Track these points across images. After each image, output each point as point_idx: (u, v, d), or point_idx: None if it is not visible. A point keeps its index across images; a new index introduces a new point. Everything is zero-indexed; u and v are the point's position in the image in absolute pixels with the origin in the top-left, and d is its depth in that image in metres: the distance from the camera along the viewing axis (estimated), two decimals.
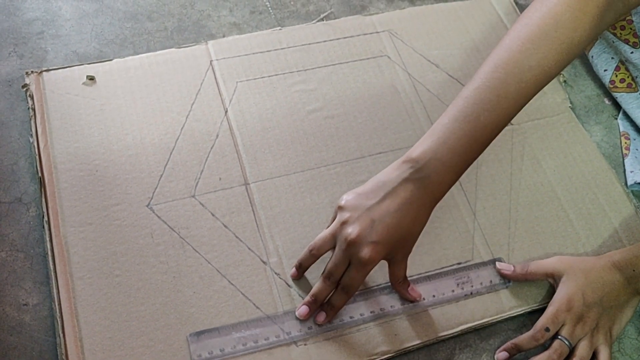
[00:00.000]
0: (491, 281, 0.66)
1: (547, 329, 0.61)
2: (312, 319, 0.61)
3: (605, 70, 0.81)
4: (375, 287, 0.64)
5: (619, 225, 0.71)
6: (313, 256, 0.61)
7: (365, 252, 0.56)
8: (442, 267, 0.66)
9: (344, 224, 0.58)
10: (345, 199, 0.59)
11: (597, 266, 0.64)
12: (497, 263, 0.66)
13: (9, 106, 0.71)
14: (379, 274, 0.64)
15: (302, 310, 0.61)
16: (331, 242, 0.60)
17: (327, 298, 0.61)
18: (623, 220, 0.72)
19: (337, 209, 0.60)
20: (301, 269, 0.63)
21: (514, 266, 0.66)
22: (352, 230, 0.57)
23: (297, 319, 0.61)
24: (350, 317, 0.62)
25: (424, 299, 0.64)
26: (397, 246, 0.58)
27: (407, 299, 0.63)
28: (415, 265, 0.66)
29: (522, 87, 0.57)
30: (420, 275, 0.65)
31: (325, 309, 0.61)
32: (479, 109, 0.57)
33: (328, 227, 0.61)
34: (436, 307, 0.64)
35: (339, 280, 0.59)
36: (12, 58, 0.75)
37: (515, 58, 0.57)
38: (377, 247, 0.57)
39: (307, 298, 0.61)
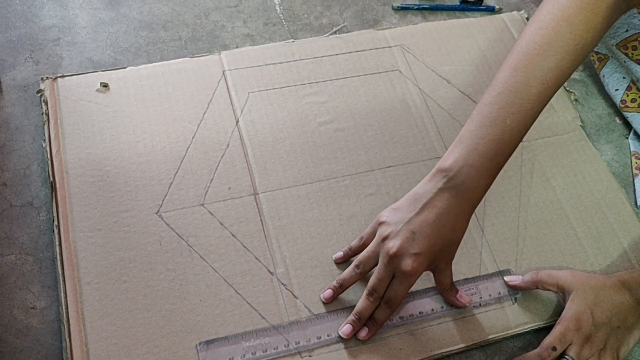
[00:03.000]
0: (500, 292, 0.66)
1: (554, 348, 0.61)
2: (315, 330, 0.61)
3: (616, 90, 0.81)
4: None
5: (628, 245, 0.71)
6: (358, 274, 0.62)
7: (408, 264, 0.57)
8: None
9: (385, 239, 0.59)
10: (385, 215, 0.60)
11: (606, 285, 0.63)
12: (505, 277, 0.66)
13: (24, 111, 0.72)
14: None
15: (346, 329, 0.61)
16: (374, 259, 0.60)
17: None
18: (632, 240, 0.71)
19: (377, 225, 0.61)
20: (342, 288, 0.63)
21: (521, 276, 0.66)
22: (393, 244, 0.58)
23: (302, 329, 0.61)
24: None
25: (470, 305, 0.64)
26: (440, 255, 0.59)
27: (456, 306, 0.64)
28: (422, 279, 0.65)
29: (544, 89, 0.59)
30: (427, 290, 0.65)
31: (368, 325, 0.61)
32: (505, 113, 0.58)
33: (363, 243, 0.63)
34: (442, 323, 0.64)
35: (382, 296, 0.60)
36: (28, 64, 0.76)
37: (535, 61, 0.59)
38: (420, 259, 0.57)
39: (351, 317, 0.61)
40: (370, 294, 0.60)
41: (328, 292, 0.63)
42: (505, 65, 0.60)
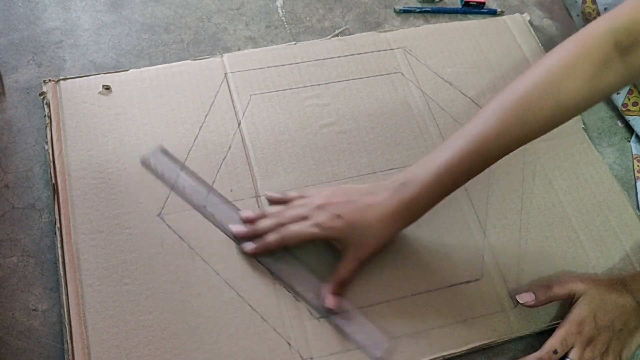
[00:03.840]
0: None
1: (556, 351, 0.61)
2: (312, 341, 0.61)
3: (617, 94, 0.81)
4: (383, 302, 0.64)
5: (630, 247, 0.71)
6: (275, 223, 0.63)
7: (325, 217, 0.60)
8: (451, 285, 0.66)
9: (326, 193, 0.63)
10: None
11: (611, 288, 0.64)
12: (517, 296, 0.65)
13: (26, 113, 0.72)
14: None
15: (239, 229, 0.64)
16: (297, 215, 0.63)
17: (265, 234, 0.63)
18: (634, 243, 0.71)
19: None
20: (254, 230, 0.64)
21: (534, 294, 0.64)
22: (326, 199, 0.62)
23: (304, 332, 0.61)
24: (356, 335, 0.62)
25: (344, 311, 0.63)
26: (355, 236, 0.61)
27: (326, 300, 0.62)
28: (425, 282, 0.65)
29: (507, 146, 0.61)
30: (429, 292, 0.65)
31: (257, 241, 0.63)
32: (466, 170, 0.61)
33: None
34: (443, 326, 0.64)
35: (282, 225, 0.62)
36: (30, 66, 0.76)
37: (509, 126, 0.60)
38: (336, 221, 0.60)
39: (250, 225, 0.64)
40: (279, 218, 0.63)
41: (242, 230, 0.64)
42: (494, 102, 0.61)
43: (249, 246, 0.63)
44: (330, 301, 0.61)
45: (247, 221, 0.65)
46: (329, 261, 0.64)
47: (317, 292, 0.62)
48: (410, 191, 0.61)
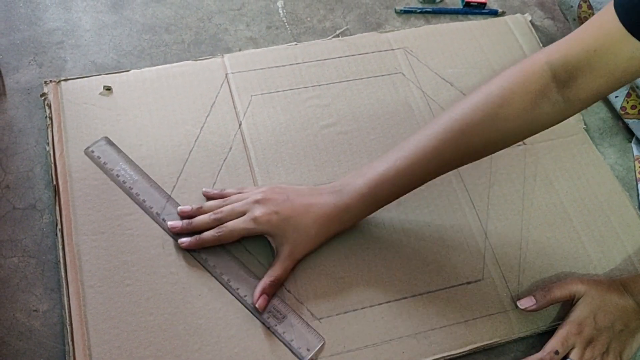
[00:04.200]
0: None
1: (557, 352, 0.61)
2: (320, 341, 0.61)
3: (616, 97, 0.81)
4: (384, 303, 0.64)
5: (632, 248, 0.71)
6: (213, 220, 0.63)
7: (262, 212, 0.61)
8: (452, 286, 0.66)
9: (264, 189, 0.64)
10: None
11: (611, 289, 0.64)
12: (518, 302, 0.65)
13: (27, 114, 0.72)
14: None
15: (175, 224, 0.64)
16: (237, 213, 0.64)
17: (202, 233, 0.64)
18: (635, 243, 0.71)
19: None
20: (191, 226, 0.64)
21: (534, 298, 0.64)
22: (264, 195, 0.63)
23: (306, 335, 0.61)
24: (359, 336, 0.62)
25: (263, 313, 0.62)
26: (290, 234, 0.62)
27: (256, 301, 0.61)
28: (425, 283, 0.65)
29: (439, 166, 0.63)
30: (430, 293, 0.65)
31: (193, 240, 0.63)
32: (401, 183, 0.63)
33: None
34: (444, 327, 0.64)
35: (219, 221, 0.63)
36: (31, 67, 0.76)
37: (446, 144, 0.61)
38: (273, 216, 0.61)
39: (186, 220, 0.64)
40: (216, 214, 0.63)
41: (177, 225, 0.64)
42: (434, 122, 0.62)
43: (185, 241, 0.63)
44: (260, 303, 0.61)
45: (184, 216, 0.65)
46: (264, 258, 0.65)
47: (251, 290, 0.62)
48: (345, 198, 0.62)
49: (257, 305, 0.61)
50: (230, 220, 0.63)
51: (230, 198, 0.65)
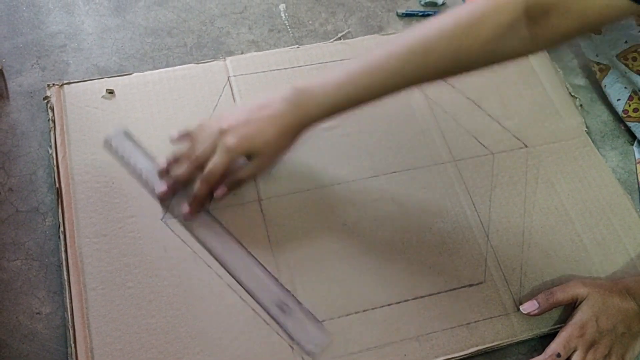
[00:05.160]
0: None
1: (559, 355, 0.61)
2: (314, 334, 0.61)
3: (618, 100, 0.81)
4: (386, 305, 0.64)
5: (633, 251, 0.71)
6: (193, 168, 0.65)
7: (231, 142, 0.62)
8: (454, 288, 0.66)
9: (226, 116, 0.64)
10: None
11: (613, 292, 0.63)
12: (520, 307, 0.65)
13: (30, 117, 0.73)
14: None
15: (162, 188, 0.66)
16: (211, 150, 0.64)
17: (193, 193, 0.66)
18: (637, 246, 0.71)
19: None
20: (177, 183, 0.66)
21: (537, 302, 0.64)
22: (226, 123, 0.63)
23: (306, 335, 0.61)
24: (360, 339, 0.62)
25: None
26: (259, 150, 0.63)
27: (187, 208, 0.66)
28: (427, 285, 0.66)
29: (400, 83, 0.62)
30: (432, 295, 0.65)
31: (190, 202, 0.66)
32: (358, 93, 0.62)
33: None
34: (446, 329, 0.64)
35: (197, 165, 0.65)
36: (34, 70, 0.76)
37: (414, 57, 0.60)
38: (242, 142, 0.62)
39: (170, 180, 0.66)
40: (194, 161, 0.64)
41: (163, 188, 0.66)
42: (400, 39, 0.61)
43: (185, 209, 0.66)
44: (219, 192, 0.64)
45: (163, 173, 0.67)
46: None
47: (244, 265, 0.64)
48: (304, 105, 0.63)
49: (215, 194, 0.64)
50: (206, 160, 0.64)
51: (197, 137, 0.66)
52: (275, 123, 0.63)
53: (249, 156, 0.63)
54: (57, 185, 0.66)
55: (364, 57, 0.62)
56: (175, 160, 0.66)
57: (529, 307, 0.64)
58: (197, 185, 0.65)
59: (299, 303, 0.63)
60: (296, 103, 0.63)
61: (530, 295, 0.66)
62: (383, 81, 0.61)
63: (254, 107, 0.64)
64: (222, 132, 0.63)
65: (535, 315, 0.64)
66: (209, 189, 0.64)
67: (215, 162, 0.63)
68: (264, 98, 0.65)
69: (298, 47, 0.81)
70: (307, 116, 0.63)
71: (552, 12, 0.56)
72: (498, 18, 0.58)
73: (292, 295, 0.63)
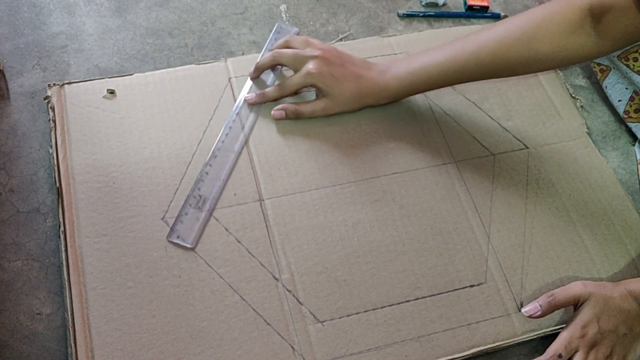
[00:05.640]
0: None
1: (560, 355, 0.60)
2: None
3: (619, 101, 0.81)
4: (387, 306, 0.64)
5: (635, 252, 0.71)
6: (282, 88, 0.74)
7: (316, 69, 0.70)
8: (455, 289, 0.66)
9: (326, 49, 0.72)
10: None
11: (615, 293, 0.63)
12: (522, 310, 0.65)
13: (31, 117, 0.73)
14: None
15: (250, 96, 0.74)
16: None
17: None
18: (639, 247, 0.71)
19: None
20: (265, 97, 0.75)
21: (539, 304, 0.64)
22: (323, 53, 0.71)
23: (308, 336, 0.61)
24: (362, 340, 0.62)
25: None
26: (333, 92, 0.72)
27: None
28: (428, 286, 0.65)
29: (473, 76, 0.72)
30: (433, 296, 0.65)
31: (258, 93, 0.75)
32: (435, 81, 0.72)
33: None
34: (447, 330, 0.63)
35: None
36: (35, 70, 0.76)
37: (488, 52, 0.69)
38: (325, 75, 0.70)
39: (260, 92, 0.75)
40: (274, 59, 0.74)
41: (252, 97, 0.74)
42: (478, 34, 0.70)
43: (250, 97, 0.74)
44: (275, 113, 0.74)
45: (257, 95, 0.75)
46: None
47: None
48: (387, 79, 0.72)
49: (273, 113, 0.74)
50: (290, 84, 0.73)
51: (294, 45, 0.74)
52: (358, 83, 0.71)
53: (318, 89, 0.73)
54: (58, 185, 0.66)
55: (446, 45, 0.71)
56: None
57: (531, 309, 0.64)
58: (271, 89, 0.74)
59: (212, 210, 0.66)
60: (381, 76, 0.72)
61: (532, 296, 0.65)
62: (460, 69, 0.70)
63: (352, 59, 0.73)
64: (314, 57, 0.71)
65: (537, 317, 0.64)
66: (278, 96, 0.74)
67: (293, 79, 0.72)
68: (362, 60, 0.74)
69: None
70: (384, 91, 0.72)
71: (612, 10, 0.63)
72: (566, 15, 0.65)
73: (211, 201, 0.67)
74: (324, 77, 0.70)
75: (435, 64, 0.70)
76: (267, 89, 0.74)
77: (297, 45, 0.74)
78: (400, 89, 0.73)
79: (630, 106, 0.80)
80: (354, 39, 0.84)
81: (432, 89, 0.73)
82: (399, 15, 0.89)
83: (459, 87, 0.80)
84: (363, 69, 0.72)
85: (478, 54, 0.68)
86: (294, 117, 0.74)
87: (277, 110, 0.73)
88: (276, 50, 0.74)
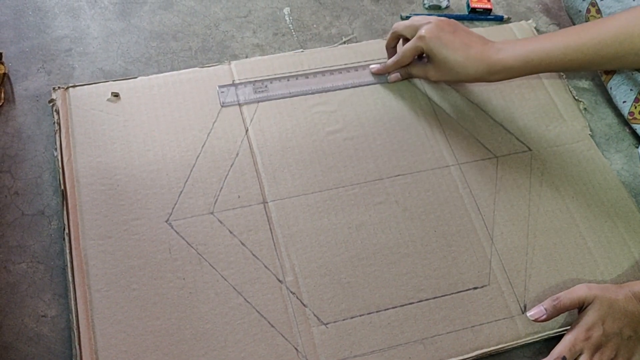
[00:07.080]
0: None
1: (564, 358, 0.60)
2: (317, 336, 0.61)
3: (624, 102, 0.81)
4: (391, 308, 0.64)
5: (639, 254, 0.70)
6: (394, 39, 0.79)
7: (428, 33, 0.72)
8: (458, 291, 0.66)
9: (441, 18, 0.75)
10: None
11: (619, 296, 0.63)
12: (527, 314, 0.64)
13: (36, 120, 0.73)
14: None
15: (376, 66, 0.80)
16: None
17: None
18: None
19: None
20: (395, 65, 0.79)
21: (544, 308, 0.64)
22: (440, 21, 0.73)
23: (311, 338, 0.61)
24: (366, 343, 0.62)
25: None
26: (440, 60, 0.73)
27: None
28: (432, 288, 0.65)
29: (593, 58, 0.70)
30: (436, 298, 0.65)
31: (382, 64, 0.80)
32: (549, 66, 0.71)
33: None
34: (451, 332, 0.63)
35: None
36: (40, 74, 0.76)
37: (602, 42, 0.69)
38: (435, 40, 0.72)
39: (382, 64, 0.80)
40: (395, 33, 0.78)
41: (376, 67, 0.80)
42: (595, 26, 0.70)
43: (374, 67, 0.80)
44: (392, 76, 0.80)
45: (382, 65, 0.80)
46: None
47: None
48: (500, 57, 0.71)
49: (389, 78, 0.80)
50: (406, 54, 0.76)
51: (417, 21, 0.75)
52: (466, 53, 0.71)
53: (427, 54, 0.74)
54: (63, 188, 0.67)
55: (566, 30, 0.71)
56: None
57: (536, 313, 0.64)
58: (391, 59, 0.78)
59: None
60: (494, 53, 0.71)
61: (535, 298, 0.65)
62: (578, 53, 0.69)
63: (468, 31, 0.73)
64: (427, 23, 0.73)
65: (542, 321, 0.64)
66: (397, 65, 0.78)
67: (406, 45, 0.75)
68: (478, 35, 0.73)
69: (302, 51, 0.81)
70: (493, 68, 0.71)
71: None
72: None
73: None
74: (432, 40, 0.72)
75: (553, 45, 0.70)
76: (388, 61, 0.78)
77: (418, 20, 0.76)
78: (515, 66, 0.71)
79: (635, 107, 0.80)
80: (357, 41, 0.85)
81: (546, 72, 0.73)
82: (402, 18, 0.89)
83: (461, 89, 0.80)
84: (475, 42, 0.72)
85: (599, 38, 0.68)
86: (406, 76, 0.79)
87: (393, 74, 0.79)
88: (395, 23, 0.78)
